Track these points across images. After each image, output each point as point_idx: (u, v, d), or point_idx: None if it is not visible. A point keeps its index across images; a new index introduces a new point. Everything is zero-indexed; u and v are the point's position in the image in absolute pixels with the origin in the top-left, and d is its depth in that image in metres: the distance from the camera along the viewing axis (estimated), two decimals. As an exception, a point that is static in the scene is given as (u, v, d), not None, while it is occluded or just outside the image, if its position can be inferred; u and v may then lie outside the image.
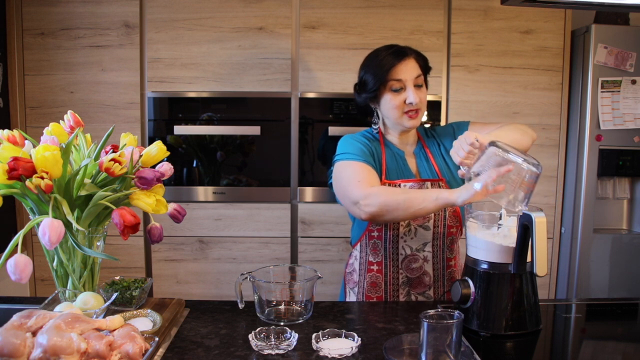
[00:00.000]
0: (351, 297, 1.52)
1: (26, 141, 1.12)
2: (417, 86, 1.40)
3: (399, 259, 1.43)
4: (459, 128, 1.51)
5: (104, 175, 1.10)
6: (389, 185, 1.41)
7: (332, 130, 2.31)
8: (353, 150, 1.41)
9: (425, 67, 1.44)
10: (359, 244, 1.49)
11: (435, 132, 1.56)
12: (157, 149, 1.16)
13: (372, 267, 1.45)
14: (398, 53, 1.39)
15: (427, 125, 2.38)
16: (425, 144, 1.52)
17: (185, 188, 2.37)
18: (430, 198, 1.21)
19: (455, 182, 1.47)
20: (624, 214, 2.55)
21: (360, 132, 1.52)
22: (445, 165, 1.49)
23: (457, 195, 1.17)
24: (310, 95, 2.33)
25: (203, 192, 2.37)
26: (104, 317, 0.98)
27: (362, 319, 1.21)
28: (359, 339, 1.04)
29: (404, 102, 1.39)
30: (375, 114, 1.49)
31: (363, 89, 1.44)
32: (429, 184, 1.43)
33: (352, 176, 1.34)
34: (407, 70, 1.38)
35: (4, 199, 1.01)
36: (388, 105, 1.41)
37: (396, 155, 1.47)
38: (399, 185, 1.41)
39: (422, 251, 1.43)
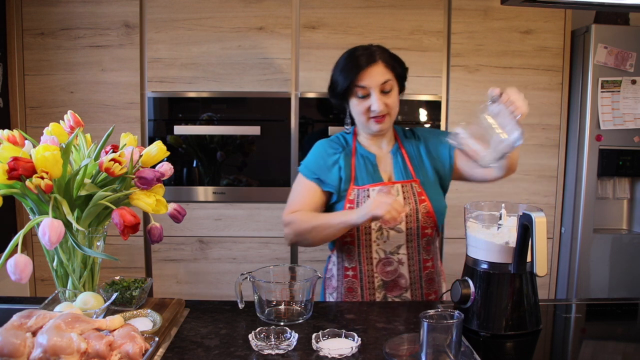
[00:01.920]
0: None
1: (26, 141, 1.12)
2: (384, 92, 1.38)
3: (373, 263, 1.43)
4: (441, 154, 1.50)
5: (104, 175, 1.10)
6: (359, 190, 1.42)
7: (332, 130, 2.31)
8: (311, 164, 1.46)
9: (398, 70, 1.41)
10: (336, 250, 1.50)
11: (417, 133, 1.54)
12: (157, 149, 1.16)
13: (347, 273, 1.46)
14: (366, 57, 1.37)
15: (427, 125, 2.38)
16: (402, 144, 1.50)
17: (185, 188, 2.37)
18: (334, 223, 1.33)
19: (430, 182, 1.46)
20: (624, 214, 2.55)
21: (336, 135, 1.53)
22: (421, 166, 1.47)
23: (354, 216, 1.28)
24: (310, 95, 2.33)
25: (203, 192, 2.37)
26: (104, 317, 0.98)
27: (362, 319, 1.21)
28: (359, 339, 1.04)
29: (369, 108, 1.38)
30: (348, 114, 1.49)
31: (333, 91, 1.44)
32: (399, 186, 1.43)
33: (292, 198, 1.46)
34: (373, 76, 1.36)
35: (4, 199, 1.01)
36: (354, 110, 1.42)
37: (366, 160, 1.46)
38: (368, 190, 1.42)
39: (397, 254, 1.43)
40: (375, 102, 1.37)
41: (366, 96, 1.38)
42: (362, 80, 1.37)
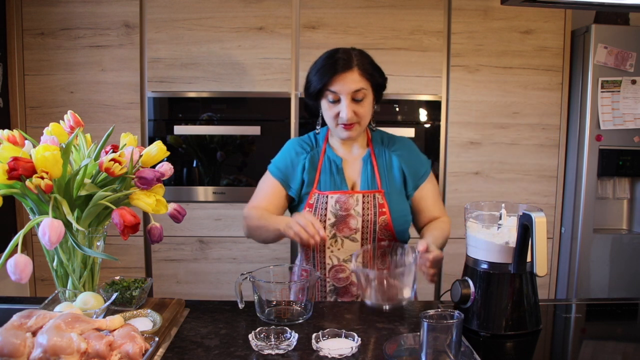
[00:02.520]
0: None
1: (26, 141, 1.12)
2: (356, 100, 1.34)
3: (326, 268, 1.43)
4: (421, 164, 1.48)
5: (104, 175, 1.10)
6: (320, 195, 1.41)
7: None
8: (279, 163, 1.48)
9: (376, 79, 1.37)
10: (299, 251, 1.53)
11: (392, 144, 1.49)
12: (157, 149, 1.16)
13: (303, 274, 1.48)
14: (343, 62, 1.33)
15: (427, 125, 2.38)
16: (373, 152, 1.47)
17: (185, 188, 2.37)
18: (271, 228, 1.35)
19: (396, 193, 1.43)
20: (624, 214, 2.55)
21: (307, 135, 1.53)
22: (390, 175, 1.44)
23: (282, 226, 1.28)
24: (310, 95, 2.33)
25: (203, 192, 2.37)
26: (104, 317, 0.98)
27: (362, 319, 1.21)
28: (359, 339, 1.04)
29: (338, 114, 1.36)
30: (320, 115, 1.46)
31: (306, 90, 1.43)
32: (359, 195, 1.40)
33: (256, 193, 1.50)
34: (346, 83, 1.32)
35: (4, 199, 1.01)
36: (325, 113, 1.41)
37: (332, 164, 1.44)
38: (327, 196, 1.41)
39: (349, 262, 1.41)
40: (344, 110, 1.34)
41: (336, 101, 1.35)
42: (334, 85, 1.33)
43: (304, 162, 1.46)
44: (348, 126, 1.37)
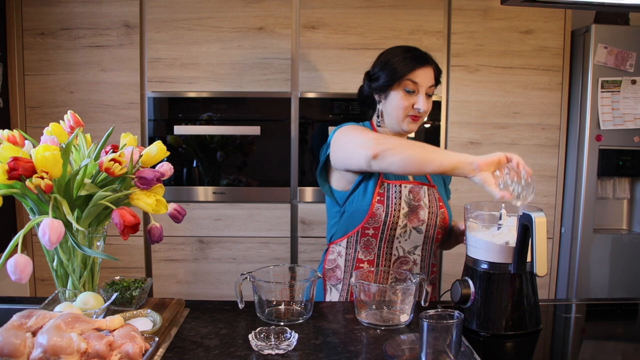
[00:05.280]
0: (333, 295, 1.49)
1: (26, 141, 1.12)
2: (428, 95, 1.40)
3: (392, 259, 1.43)
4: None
5: (104, 175, 1.10)
6: (390, 185, 1.41)
7: (332, 130, 2.31)
8: (356, 125, 1.43)
9: (438, 80, 1.44)
10: (344, 240, 1.46)
11: None
12: (157, 149, 1.16)
13: (361, 265, 1.44)
14: (421, 58, 1.40)
15: (427, 126, 2.38)
16: None
17: (185, 188, 2.37)
18: (448, 163, 1.19)
19: (442, 189, 1.51)
20: (624, 214, 2.55)
21: (363, 123, 1.50)
22: (435, 175, 1.46)
23: (467, 166, 1.16)
24: (310, 95, 2.33)
25: (203, 192, 2.37)
26: (104, 317, 0.98)
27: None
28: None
29: (412, 105, 1.39)
30: (376, 109, 1.47)
31: (376, 79, 1.42)
32: (425, 188, 1.45)
33: (360, 132, 1.35)
34: (426, 76, 1.38)
35: (4, 199, 1.01)
36: (395, 104, 1.40)
37: None
38: (400, 186, 1.41)
39: (413, 254, 1.44)
40: (422, 102, 1.38)
41: (413, 92, 1.38)
42: (415, 77, 1.37)
43: None
44: (416, 118, 1.40)
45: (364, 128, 1.40)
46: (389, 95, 1.41)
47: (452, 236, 1.52)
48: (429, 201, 1.43)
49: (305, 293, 1.20)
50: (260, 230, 2.38)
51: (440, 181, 1.54)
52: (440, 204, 1.46)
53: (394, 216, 1.39)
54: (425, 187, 1.45)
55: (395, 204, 1.40)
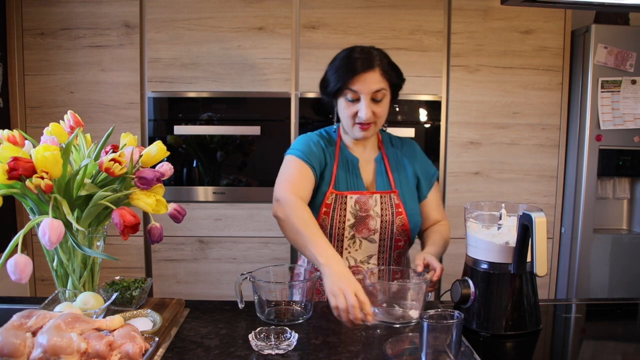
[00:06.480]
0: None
1: (26, 141, 1.12)
2: (375, 100, 1.33)
3: None
4: (429, 165, 1.51)
5: (104, 175, 1.10)
6: (337, 195, 1.38)
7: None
8: (303, 148, 1.39)
9: (394, 80, 1.36)
10: None
11: (401, 145, 1.51)
12: (157, 149, 1.16)
13: (316, 273, 1.40)
14: (364, 62, 1.31)
15: (427, 125, 2.38)
16: (385, 153, 1.47)
17: (185, 188, 2.37)
18: (310, 252, 1.19)
19: (409, 194, 1.44)
20: (624, 214, 2.55)
21: (319, 130, 1.49)
22: (403, 176, 1.45)
23: (324, 268, 1.14)
24: (310, 95, 2.33)
25: (203, 192, 2.37)
26: (104, 317, 0.98)
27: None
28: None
29: (356, 113, 1.34)
30: (336, 112, 1.44)
31: (324, 88, 1.40)
32: (377, 196, 1.39)
33: (287, 173, 1.37)
34: (367, 83, 1.31)
35: (4, 199, 1.01)
36: (341, 113, 1.38)
37: (349, 163, 1.43)
38: (346, 197, 1.37)
39: (367, 263, 1.41)
40: (364, 110, 1.32)
41: (355, 100, 1.33)
42: (354, 85, 1.31)
43: (323, 156, 1.40)
44: (365, 126, 1.35)
45: (293, 162, 1.37)
46: (337, 102, 1.39)
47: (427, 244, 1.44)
48: (382, 209, 1.38)
49: (306, 293, 1.20)
50: (260, 230, 2.38)
51: (413, 179, 1.46)
52: (399, 210, 1.40)
53: (338, 228, 1.37)
54: (378, 196, 1.40)
55: (340, 215, 1.37)
